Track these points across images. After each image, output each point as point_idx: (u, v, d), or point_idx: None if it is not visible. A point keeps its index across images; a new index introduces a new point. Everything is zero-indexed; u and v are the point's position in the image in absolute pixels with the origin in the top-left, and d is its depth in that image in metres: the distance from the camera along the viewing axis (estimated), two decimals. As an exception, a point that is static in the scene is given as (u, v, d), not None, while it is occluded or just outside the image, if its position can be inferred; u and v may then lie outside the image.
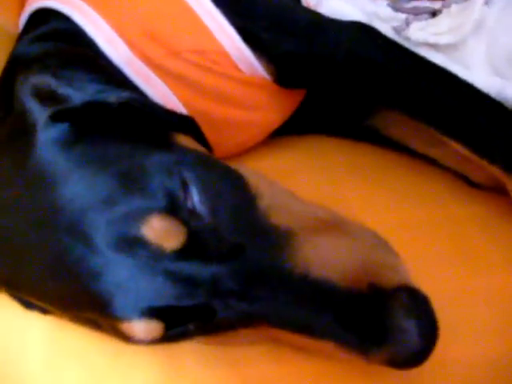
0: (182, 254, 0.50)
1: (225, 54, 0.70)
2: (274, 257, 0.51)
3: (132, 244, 0.49)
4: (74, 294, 0.52)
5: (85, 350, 0.57)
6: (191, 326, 0.53)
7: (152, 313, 0.50)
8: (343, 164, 0.78)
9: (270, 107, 0.76)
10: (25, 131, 0.54)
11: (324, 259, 0.51)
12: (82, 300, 0.51)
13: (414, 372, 0.55)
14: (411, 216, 0.70)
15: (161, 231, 0.49)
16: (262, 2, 0.73)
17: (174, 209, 0.50)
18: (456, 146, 0.68)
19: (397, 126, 0.80)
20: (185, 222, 0.50)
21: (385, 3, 0.80)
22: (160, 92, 0.68)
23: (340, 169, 0.77)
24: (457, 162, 0.75)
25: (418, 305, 0.49)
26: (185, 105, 0.70)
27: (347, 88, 0.74)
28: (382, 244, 0.55)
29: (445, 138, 0.69)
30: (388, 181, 0.75)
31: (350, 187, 0.74)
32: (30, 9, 0.73)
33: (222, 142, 0.71)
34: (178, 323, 0.52)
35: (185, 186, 0.51)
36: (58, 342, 0.58)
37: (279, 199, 0.56)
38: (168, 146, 0.55)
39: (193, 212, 0.51)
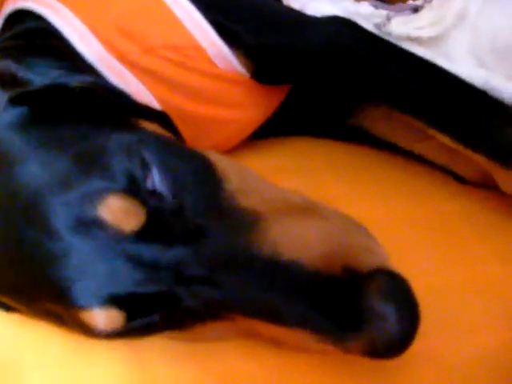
0: (142, 235, 0.48)
1: (200, 50, 0.68)
2: (241, 239, 0.48)
3: (90, 226, 0.47)
4: (32, 282, 0.49)
5: (46, 345, 0.55)
6: (155, 317, 0.50)
7: (112, 300, 0.48)
8: (328, 164, 0.77)
9: (248, 104, 0.74)
10: None
11: (294, 242, 0.48)
12: (40, 289, 0.49)
13: (402, 367, 0.53)
14: (398, 211, 0.69)
15: (118, 211, 0.47)
16: None
17: (132, 189, 0.48)
18: (440, 137, 0.67)
19: (381, 122, 0.79)
20: (144, 203, 0.48)
21: (367, 3, 0.79)
22: (134, 88, 0.67)
23: (325, 168, 0.75)
24: (443, 157, 0.74)
25: (397, 288, 0.46)
26: (160, 101, 0.68)
27: (328, 83, 0.72)
28: (357, 227, 0.52)
29: (429, 130, 0.67)
30: (374, 178, 0.74)
31: (336, 186, 0.72)
32: (5, 11, 0.73)
33: (200, 140, 0.69)
34: (142, 314, 0.49)
35: (145, 167, 0.49)
36: (19, 337, 0.55)
37: (248, 183, 0.54)
38: (129, 128, 0.54)
39: (153, 193, 0.49)
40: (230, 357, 0.54)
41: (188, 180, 0.51)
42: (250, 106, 0.74)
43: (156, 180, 0.49)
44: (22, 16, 0.71)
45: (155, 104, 0.67)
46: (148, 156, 0.49)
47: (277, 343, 0.52)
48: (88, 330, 0.49)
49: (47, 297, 0.49)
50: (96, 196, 0.47)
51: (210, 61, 0.69)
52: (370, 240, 0.51)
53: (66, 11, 0.68)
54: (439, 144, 0.69)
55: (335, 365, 0.53)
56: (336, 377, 0.53)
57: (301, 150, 0.80)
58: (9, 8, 0.73)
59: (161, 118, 0.63)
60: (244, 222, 0.49)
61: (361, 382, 0.54)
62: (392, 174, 0.75)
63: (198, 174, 0.52)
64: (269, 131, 0.80)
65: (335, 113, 0.83)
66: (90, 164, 0.49)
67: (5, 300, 0.54)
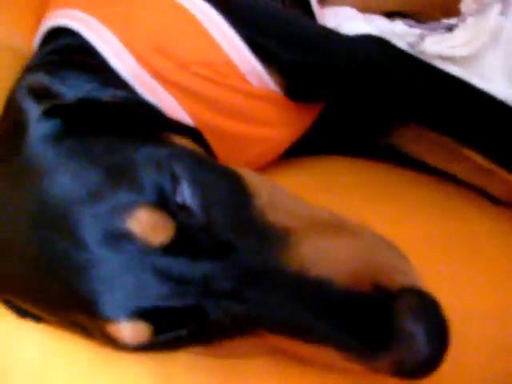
0: (170, 249, 0.48)
1: (233, 66, 0.68)
2: (269, 255, 0.48)
3: (119, 239, 0.47)
4: (59, 293, 0.50)
5: (74, 358, 0.55)
6: (183, 332, 0.50)
7: (139, 313, 0.48)
8: (358, 182, 0.75)
9: (280, 123, 0.73)
10: (18, 128, 0.53)
11: (323, 258, 0.48)
12: (68, 300, 0.49)
13: None
14: (430, 231, 0.67)
15: (147, 224, 0.47)
16: (271, 13, 0.72)
17: (162, 202, 0.48)
18: (475, 157, 0.66)
19: (414, 142, 0.77)
20: (173, 216, 0.48)
21: (401, 22, 0.79)
22: (168, 105, 0.67)
23: (355, 187, 0.73)
24: (477, 177, 0.72)
25: (427, 307, 0.45)
26: (192, 118, 0.68)
27: (361, 101, 0.72)
28: (388, 246, 0.51)
29: (463, 149, 0.66)
30: (406, 197, 0.72)
31: (365, 205, 0.70)
32: (43, 28, 0.74)
33: (231, 157, 0.69)
34: (169, 328, 0.49)
35: (175, 180, 0.49)
36: (46, 348, 0.56)
37: (278, 199, 0.54)
38: (160, 142, 0.54)
39: (183, 207, 0.49)
40: (256, 374, 0.54)
41: (218, 195, 0.51)
42: (282, 125, 0.74)
43: (185, 194, 0.49)
44: (58, 33, 0.72)
45: (188, 120, 0.68)
46: (178, 170, 0.50)
47: (304, 361, 0.52)
48: (114, 343, 0.49)
49: (74, 308, 0.49)
50: (125, 208, 0.47)
51: (242, 78, 0.69)
52: (402, 259, 0.50)
53: (101, 27, 0.68)
54: (472, 163, 0.67)
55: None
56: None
57: (331, 168, 0.79)
58: (45, 25, 0.74)
59: (193, 134, 0.63)
60: (273, 237, 0.49)
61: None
62: (422, 194, 0.73)
63: (228, 189, 0.52)
64: (301, 150, 0.80)
65: (367, 132, 0.82)
66: (120, 176, 0.49)
67: (32, 309, 0.55)
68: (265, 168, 0.77)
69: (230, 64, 0.68)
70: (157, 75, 0.67)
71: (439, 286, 0.49)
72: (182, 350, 0.53)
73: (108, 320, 0.48)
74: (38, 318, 0.56)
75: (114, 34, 0.68)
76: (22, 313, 0.56)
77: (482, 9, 0.72)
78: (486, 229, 0.67)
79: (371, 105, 0.72)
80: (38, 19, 0.77)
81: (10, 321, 0.56)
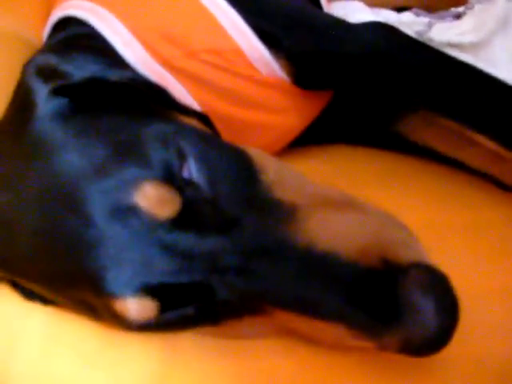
0: (177, 224, 0.48)
1: (241, 54, 0.69)
2: (276, 229, 0.48)
3: (125, 214, 0.47)
4: (67, 270, 0.49)
5: (80, 340, 0.54)
6: (189, 309, 0.49)
7: (145, 289, 0.47)
8: (370, 171, 0.74)
9: (289, 110, 0.74)
10: (27, 107, 0.54)
11: (331, 233, 0.47)
12: (75, 277, 0.49)
13: (423, 368, 0.52)
14: (441, 217, 0.66)
15: (154, 199, 0.47)
16: (278, 2, 0.72)
17: (168, 177, 0.48)
18: (485, 142, 0.65)
19: (423, 130, 0.77)
20: (180, 191, 0.48)
21: (409, 12, 0.79)
22: (177, 93, 0.67)
23: (364, 175, 0.73)
24: (486, 164, 0.71)
25: (436, 282, 0.45)
26: (201, 105, 0.68)
27: (370, 88, 0.72)
28: (397, 223, 0.51)
29: (473, 135, 0.66)
30: (417, 185, 0.71)
31: (375, 192, 0.68)
32: (52, 20, 0.75)
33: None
34: (176, 305, 0.49)
35: (182, 156, 0.49)
36: (54, 329, 0.55)
37: (286, 177, 0.54)
38: (167, 120, 0.54)
39: (189, 182, 0.49)
40: (266, 354, 0.53)
41: (224, 170, 0.51)
42: (290, 112, 0.74)
43: (192, 170, 0.49)
44: (67, 23, 0.73)
45: (196, 107, 0.68)
46: (184, 146, 0.50)
47: (312, 341, 0.51)
48: (121, 320, 0.49)
49: (81, 285, 0.49)
50: (132, 183, 0.47)
51: (251, 65, 0.69)
52: (409, 236, 0.50)
53: (110, 16, 0.69)
54: (481, 150, 0.67)
55: (372, 364, 0.52)
56: (372, 376, 0.52)
57: (340, 156, 0.79)
58: (55, 16, 0.75)
59: (201, 118, 0.63)
60: (280, 212, 0.49)
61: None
62: (431, 181, 0.72)
63: (234, 164, 0.52)
64: (309, 139, 0.79)
65: (376, 120, 0.82)
66: (126, 152, 0.49)
67: (39, 290, 0.54)
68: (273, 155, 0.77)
69: (238, 51, 0.68)
70: (165, 63, 0.68)
71: (447, 268, 0.48)
72: (190, 331, 0.53)
73: (114, 296, 0.47)
74: (45, 301, 0.56)
75: (122, 22, 0.69)
76: (29, 295, 0.56)
77: (489, -4, 0.72)
78: (496, 215, 0.66)
79: (380, 92, 0.72)
80: (48, 11, 0.78)
81: (15, 302, 0.56)
